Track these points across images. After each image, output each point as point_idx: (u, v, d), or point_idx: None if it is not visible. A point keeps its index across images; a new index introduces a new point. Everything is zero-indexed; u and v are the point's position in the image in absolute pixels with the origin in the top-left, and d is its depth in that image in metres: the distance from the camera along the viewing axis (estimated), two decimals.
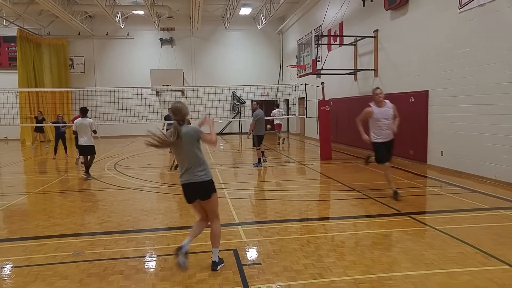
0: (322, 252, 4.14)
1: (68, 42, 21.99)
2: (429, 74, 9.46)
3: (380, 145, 6.35)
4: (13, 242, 4.75)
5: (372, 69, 12.21)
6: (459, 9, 8.30)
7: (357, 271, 3.64)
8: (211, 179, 3.70)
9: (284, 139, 17.09)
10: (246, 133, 12.55)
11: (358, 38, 12.95)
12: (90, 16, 21.26)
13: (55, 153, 13.06)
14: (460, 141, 8.44)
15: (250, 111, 15.56)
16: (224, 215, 5.71)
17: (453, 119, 8.64)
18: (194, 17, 18.86)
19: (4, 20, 19.20)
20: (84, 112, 9.00)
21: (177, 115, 3.58)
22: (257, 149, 10.52)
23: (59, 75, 21.76)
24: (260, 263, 3.88)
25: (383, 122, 6.24)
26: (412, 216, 5.40)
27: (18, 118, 18.30)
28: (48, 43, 21.57)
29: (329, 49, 15.35)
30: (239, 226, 5.14)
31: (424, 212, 5.85)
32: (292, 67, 15.43)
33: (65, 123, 13.25)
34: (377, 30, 11.95)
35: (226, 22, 22.17)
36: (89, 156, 9.09)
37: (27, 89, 19.08)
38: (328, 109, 11.45)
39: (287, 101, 22.89)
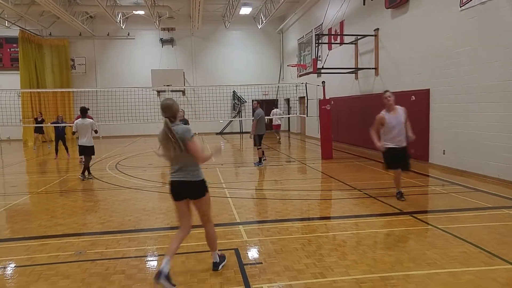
0: (323, 251, 4.13)
1: (69, 43, 22.05)
2: (430, 72, 9.44)
3: (391, 150, 6.05)
4: (16, 242, 4.76)
5: (372, 68, 12.19)
6: (460, 7, 8.28)
7: (359, 270, 3.63)
8: (203, 179, 3.57)
9: (279, 138, 17.10)
10: (247, 132, 12.56)
11: (359, 37, 12.93)
12: (91, 16, 21.28)
13: (56, 154, 13.09)
14: (462, 140, 8.42)
15: (251, 110, 15.58)
16: (225, 214, 5.72)
17: (455, 117, 8.62)
18: (195, 17, 18.86)
19: (6, 21, 19.25)
20: (83, 112, 8.99)
21: (167, 112, 3.41)
22: (257, 149, 10.52)
23: (60, 75, 21.82)
24: (261, 263, 3.87)
25: (396, 128, 5.95)
26: (414, 215, 5.39)
27: (21, 119, 18.38)
28: (49, 44, 21.63)
29: (330, 48, 15.33)
30: (240, 226, 5.14)
31: (426, 211, 5.83)
32: (292, 66, 15.41)
33: (65, 123, 13.28)
34: (377, 29, 11.93)
35: (227, 21, 22.17)
36: (84, 156, 9.10)
37: (29, 90, 19.15)
38: (329, 108, 11.44)
39: (287, 100, 22.89)
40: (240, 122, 23.36)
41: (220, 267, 3.72)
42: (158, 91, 21.48)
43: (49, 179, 9.32)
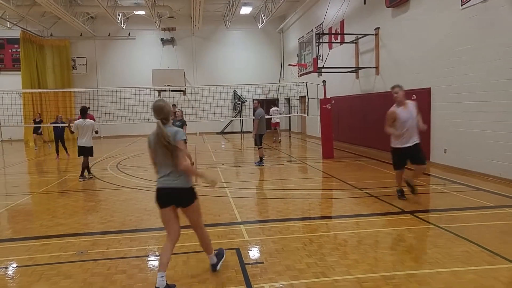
0: (325, 251, 4.12)
1: (70, 43, 22.09)
2: (431, 71, 9.42)
3: (398, 150, 6.00)
4: (17, 242, 4.77)
5: (373, 67, 12.17)
6: (461, 5, 8.26)
7: (361, 270, 3.62)
8: (192, 186, 3.43)
9: (275, 138, 17.08)
10: (247, 132, 12.55)
11: (359, 36, 12.91)
12: (92, 17, 21.32)
13: (57, 155, 13.12)
14: (463, 139, 8.40)
15: (251, 110, 15.56)
16: (226, 214, 5.72)
17: (456, 116, 8.60)
18: (195, 16, 18.86)
19: (8, 22, 19.30)
20: (84, 112, 8.96)
21: (160, 114, 3.31)
22: (258, 148, 10.51)
23: (61, 76, 21.85)
24: (262, 262, 3.87)
25: (407, 123, 5.83)
26: (416, 214, 5.38)
27: (22, 119, 18.41)
28: (50, 45, 21.67)
29: (330, 47, 15.31)
30: (242, 225, 5.13)
31: (428, 211, 5.82)
32: (293, 65, 15.40)
33: (64, 123, 13.27)
34: (378, 28, 11.91)
35: (227, 21, 22.16)
36: (82, 157, 9.11)
37: (31, 90, 19.17)
38: (329, 107, 11.43)
39: (288, 100, 22.87)
40: (241, 121, 23.36)
41: (219, 266, 3.69)
42: (159, 91, 21.50)
43: (50, 179, 9.34)
